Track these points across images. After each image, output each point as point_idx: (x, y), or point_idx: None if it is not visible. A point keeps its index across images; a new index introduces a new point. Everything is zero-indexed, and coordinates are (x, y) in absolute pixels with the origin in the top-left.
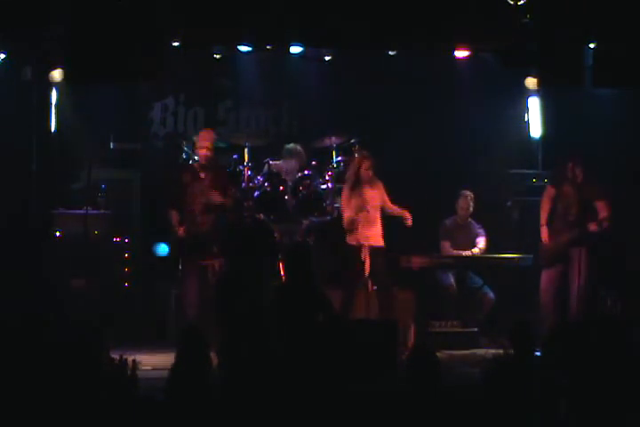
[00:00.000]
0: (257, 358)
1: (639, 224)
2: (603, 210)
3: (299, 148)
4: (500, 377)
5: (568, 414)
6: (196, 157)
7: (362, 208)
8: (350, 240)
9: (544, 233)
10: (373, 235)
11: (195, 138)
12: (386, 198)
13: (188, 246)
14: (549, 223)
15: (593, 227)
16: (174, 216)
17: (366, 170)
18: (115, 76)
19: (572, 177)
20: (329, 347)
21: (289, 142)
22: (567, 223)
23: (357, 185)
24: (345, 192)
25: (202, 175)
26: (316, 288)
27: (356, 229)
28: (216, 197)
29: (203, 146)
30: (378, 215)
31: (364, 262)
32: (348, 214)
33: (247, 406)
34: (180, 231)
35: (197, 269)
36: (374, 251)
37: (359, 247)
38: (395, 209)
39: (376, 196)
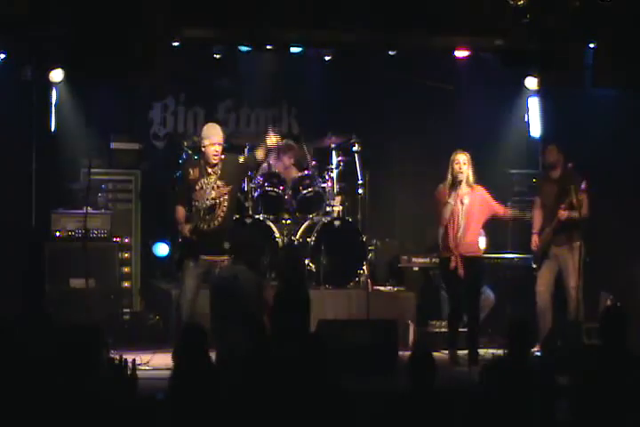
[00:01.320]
0: (254, 358)
1: (639, 224)
2: (576, 202)
3: (289, 142)
4: (499, 377)
5: (568, 415)
6: (196, 156)
7: (454, 214)
8: (442, 251)
9: (534, 240)
10: (466, 243)
11: (199, 135)
12: (490, 202)
13: (195, 245)
14: (541, 229)
15: (561, 213)
16: (180, 212)
17: (460, 169)
18: (115, 76)
19: (550, 165)
20: (319, 348)
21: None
22: (551, 220)
23: (453, 187)
24: (439, 195)
25: (209, 170)
26: (306, 291)
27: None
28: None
29: (215, 142)
30: (472, 221)
31: (458, 273)
32: (441, 221)
33: (246, 406)
34: (187, 230)
35: (200, 269)
36: (468, 260)
37: (450, 257)
38: (500, 210)
39: (470, 198)
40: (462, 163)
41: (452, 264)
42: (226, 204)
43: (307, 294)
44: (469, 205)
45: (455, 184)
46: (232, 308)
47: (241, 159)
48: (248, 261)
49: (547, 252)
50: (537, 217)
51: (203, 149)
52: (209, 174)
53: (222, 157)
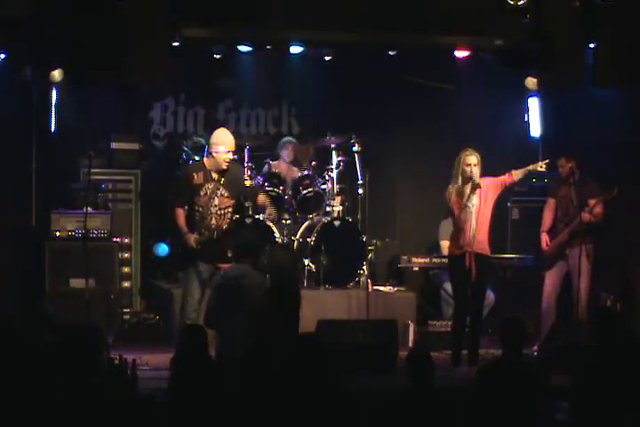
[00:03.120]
0: (254, 357)
1: (639, 224)
2: (597, 205)
3: (289, 139)
4: (495, 377)
5: (568, 415)
6: (196, 157)
7: (468, 215)
8: (453, 249)
9: (543, 239)
10: (478, 241)
11: (210, 139)
12: (490, 184)
13: (198, 252)
14: (551, 230)
15: (585, 216)
16: (181, 217)
17: (472, 171)
18: (115, 76)
19: (567, 176)
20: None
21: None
22: (567, 222)
23: (465, 188)
24: (451, 197)
25: (215, 176)
26: (297, 292)
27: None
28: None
29: (230, 150)
30: (483, 220)
31: (469, 270)
32: (458, 224)
33: (246, 406)
34: (192, 240)
35: (205, 274)
36: (479, 258)
37: (463, 255)
38: (511, 176)
39: (479, 198)
40: (473, 164)
41: (467, 262)
42: (229, 215)
43: (297, 294)
44: (478, 205)
45: (467, 186)
46: (236, 307)
47: (247, 182)
48: (253, 261)
49: (560, 252)
50: (547, 217)
51: (215, 154)
52: (214, 180)
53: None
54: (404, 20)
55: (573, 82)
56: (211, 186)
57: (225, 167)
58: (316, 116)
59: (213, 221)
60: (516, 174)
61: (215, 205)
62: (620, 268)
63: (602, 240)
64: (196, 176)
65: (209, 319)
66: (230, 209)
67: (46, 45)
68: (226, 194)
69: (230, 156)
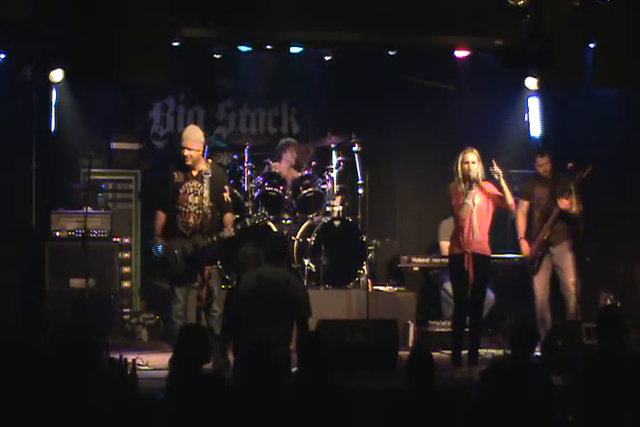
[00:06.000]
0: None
1: (638, 224)
2: (574, 190)
3: (290, 140)
4: (500, 379)
5: (568, 415)
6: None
7: (466, 212)
8: (453, 249)
9: (524, 245)
10: (478, 241)
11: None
12: (494, 195)
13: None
14: (529, 235)
15: (563, 202)
16: (160, 219)
17: (470, 169)
18: (115, 76)
19: (546, 173)
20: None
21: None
22: (545, 222)
23: (465, 186)
24: (453, 194)
25: (194, 173)
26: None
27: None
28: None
29: (188, 146)
30: (484, 220)
31: (467, 271)
32: (457, 222)
33: (246, 406)
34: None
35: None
36: (479, 259)
37: (462, 255)
38: (504, 197)
39: (481, 197)
40: (472, 162)
41: (466, 263)
42: (209, 216)
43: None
44: (479, 205)
45: (467, 184)
46: (280, 316)
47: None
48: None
49: (545, 250)
50: (522, 222)
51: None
52: (194, 178)
53: (209, 161)
54: (404, 20)
55: (573, 82)
56: (191, 184)
57: (188, 163)
58: (316, 116)
59: (191, 220)
60: (508, 199)
61: (195, 204)
62: (620, 267)
63: (602, 240)
64: (176, 175)
65: (229, 328)
66: (210, 211)
67: (46, 45)
68: (206, 194)
69: (192, 153)
